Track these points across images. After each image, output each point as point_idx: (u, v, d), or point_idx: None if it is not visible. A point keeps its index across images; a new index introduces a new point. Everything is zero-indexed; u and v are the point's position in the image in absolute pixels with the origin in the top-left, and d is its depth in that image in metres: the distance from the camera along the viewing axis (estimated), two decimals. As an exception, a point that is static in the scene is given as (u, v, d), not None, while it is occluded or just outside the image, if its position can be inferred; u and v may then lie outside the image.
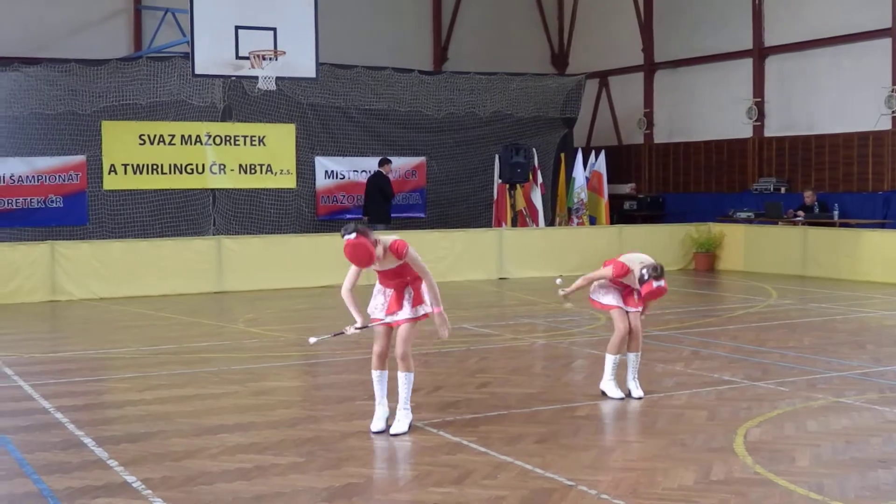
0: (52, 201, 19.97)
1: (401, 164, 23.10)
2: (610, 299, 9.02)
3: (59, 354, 11.65)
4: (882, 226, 20.24)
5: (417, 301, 7.69)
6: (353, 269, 7.58)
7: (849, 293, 16.96)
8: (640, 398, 8.91)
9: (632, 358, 9.05)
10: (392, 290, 7.72)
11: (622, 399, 8.87)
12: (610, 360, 8.99)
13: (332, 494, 6.29)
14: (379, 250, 7.41)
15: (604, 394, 9.02)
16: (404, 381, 7.70)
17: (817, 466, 6.80)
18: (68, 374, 10.41)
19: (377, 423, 7.80)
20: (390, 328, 7.77)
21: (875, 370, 10.26)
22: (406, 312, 7.66)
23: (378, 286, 7.82)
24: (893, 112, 20.85)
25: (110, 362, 11.27)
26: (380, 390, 7.84)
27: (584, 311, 15.07)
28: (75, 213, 20.17)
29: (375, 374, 7.81)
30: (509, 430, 7.81)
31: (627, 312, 8.98)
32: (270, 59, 18.62)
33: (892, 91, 20.78)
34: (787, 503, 6.08)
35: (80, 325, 14.41)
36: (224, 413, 8.49)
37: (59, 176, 20.01)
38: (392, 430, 7.71)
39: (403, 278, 7.67)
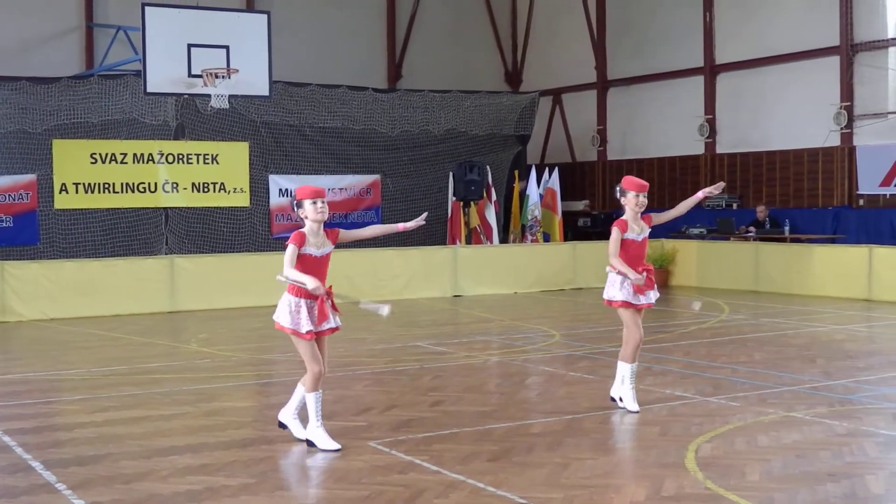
0: (2, 221, 19.72)
1: (355, 181, 23.12)
2: (623, 294, 8.96)
3: (8, 376, 11.48)
4: (832, 241, 20.48)
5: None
6: None
7: (800, 308, 17.14)
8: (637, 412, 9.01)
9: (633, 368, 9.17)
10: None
11: (637, 412, 8.94)
12: (627, 368, 9.03)
13: (284, 516, 6.26)
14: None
15: (615, 400, 9.11)
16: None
17: (768, 481, 6.85)
18: (17, 396, 10.26)
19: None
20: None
21: (825, 384, 10.37)
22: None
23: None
24: (842, 129, 21.14)
25: (60, 384, 11.13)
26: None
27: (537, 328, 15.12)
28: (26, 233, 19.93)
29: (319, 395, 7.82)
30: (462, 448, 7.80)
31: (638, 314, 9.01)
32: (223, 77, 18.61)
33: (841, 108, 21.09)
34: (737, 518, 6.13)
35: (30, 346, 14.22)
36: (175, 434, 8.42)
37: (10, 195, 19.78)
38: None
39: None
